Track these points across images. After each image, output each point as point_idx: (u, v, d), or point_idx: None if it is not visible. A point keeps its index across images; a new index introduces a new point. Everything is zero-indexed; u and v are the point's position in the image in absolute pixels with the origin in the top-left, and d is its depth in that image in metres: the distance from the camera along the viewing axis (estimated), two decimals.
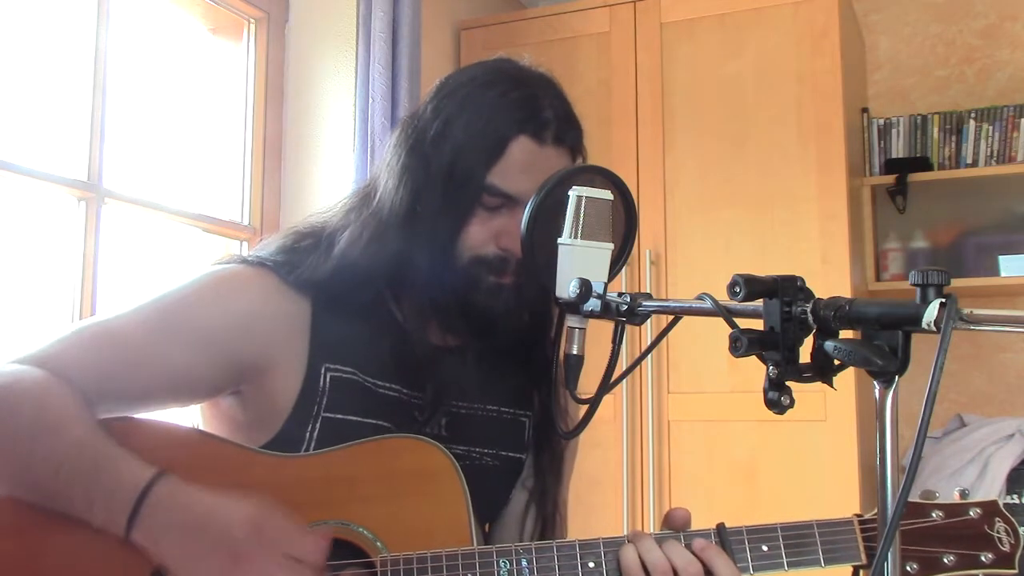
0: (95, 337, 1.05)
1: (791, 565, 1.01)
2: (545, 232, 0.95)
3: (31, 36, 2.03)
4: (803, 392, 0.72)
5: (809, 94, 2.61)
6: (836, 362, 0.73)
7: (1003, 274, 2.82)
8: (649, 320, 0.90)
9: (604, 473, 2.66)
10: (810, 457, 2.49)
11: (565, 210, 0.94)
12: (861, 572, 1.02)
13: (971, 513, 1.02)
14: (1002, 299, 3.01)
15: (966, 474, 2.71)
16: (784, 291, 0.75)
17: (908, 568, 0.99)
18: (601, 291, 0.91)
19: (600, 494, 2.65)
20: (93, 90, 2.11)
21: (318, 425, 1.08)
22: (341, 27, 2.62)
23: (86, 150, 2.09)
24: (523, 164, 1.08)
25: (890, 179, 2.99)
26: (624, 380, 1.16)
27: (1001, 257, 2.83)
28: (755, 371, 0.75)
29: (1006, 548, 1.00)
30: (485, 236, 1.09)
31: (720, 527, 1.02)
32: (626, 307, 0.89)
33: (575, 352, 0.94)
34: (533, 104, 1.10)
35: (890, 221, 3.01)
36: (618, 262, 0.98)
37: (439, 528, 1.04)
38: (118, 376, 1.04)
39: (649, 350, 0.98)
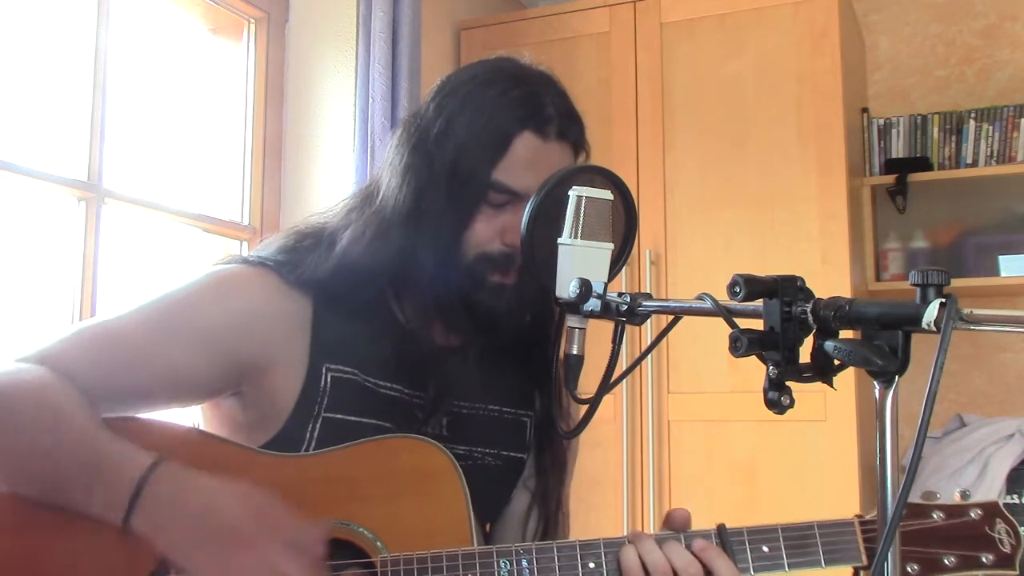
0: (95, 337, 1.05)
1: (792, 566, 1.01)
2: (545, 232, 0.95)
3: (31, 36, 2.03)
4: (803, 392, 0.72)
5: (809, 94, 2.61)
6: (836, 362, 0.73)
7: (1003, 274, 2.82)
8: (649, 320, 0.90)
9: (604, 473, 2.66)
10: (810, 457, 2.49)
11: (565, 210, 0.94)
12: (862, 573, 1.02)
13: (972, 514, 1.02)
14: (1002, 299, 3.01)
15: (966, 474, 2.71)
16: (784, 291, 0.75)
17: (909, 569, 0.99)
18: (601, 291, 0.91)
19: (600, 494, 2.65)
20: (93, 90, 2.11)
21: (318, 425, 1.08)
22: (341, 27, 2.62)
23: (86, 150, 2.09)
24: (527, 160, 1.08)
25: (890, 179, 2.99)
26: (624, 380, 1.16)
27: (1001, 257, 2.83)
28: (755, 371, 0.75)
29: (1007, 549, 1.00)
30: (490, 233, 1.09)
31: (721, 528, 1.02)
32: (626, 307, 0.89)
33: (575, 352, 0.94)
34: (535, 100, 1.10)
35: (890, 221, 3.01)
36: (618, 262, 0.98)
37: (439, 528, 1.04)
38: (118, 376, 1.04)
39: (649, 350, 0.98)
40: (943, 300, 0.67)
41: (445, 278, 1.09)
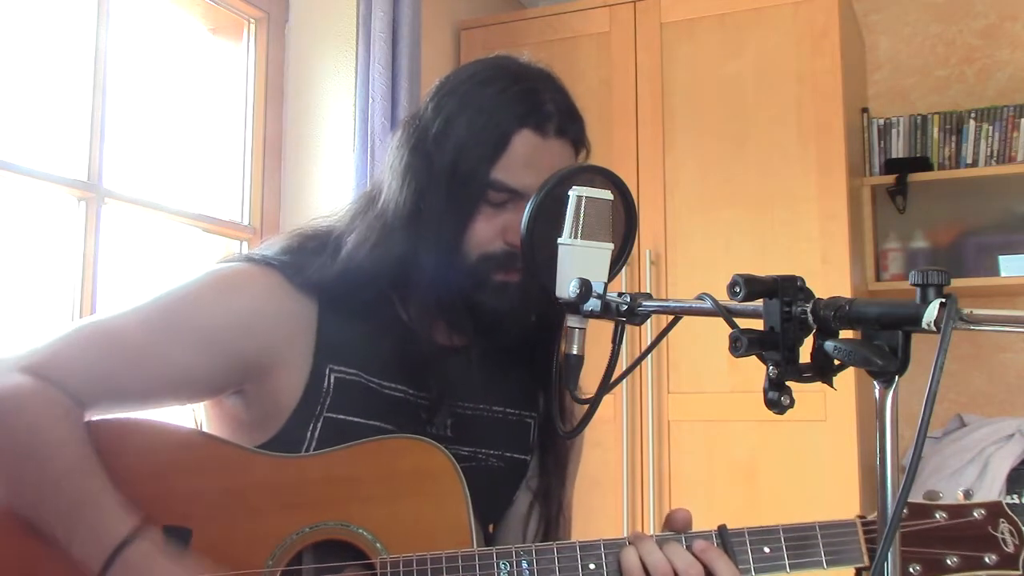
0: (94, 336, 1.05)
1: (793, 567, 1.00)
2: (545, 232, 0.94)
3: (31, 36, 2.03)
4: (803, 392, 0.72)
5: (809, 94, 2.61)
6: (836, 362, 0.73)
7: (1003, 274, 2.82)
8: (649, 320, 0.90)
9: (604, 473, 2.66)
10: (810, 457, 2.49)
11: (565, 210, 0.94)
12: (863, 574, 1.02)
13: (975, 514, 1.01)
14: (1002, 299, 3.01)
15: (966, 474, 2.71)
16: (784, 291, 0.75)
17: (911, 570, 0.99)
18: (601, 291, 0.91)
19: (600, 494, 2.65)
20: (93, 90, 2.11)
21: (320, 425, 1.07)
22: (341, 27, 2.62)
23: (86, 150, 2.09)
24: (527, 158, 1.08)
25: (890, 179, 2.99)
26: (624, 380, 1.16)
27: (1001, 257, 2.83)
28: (755, 371, 0.75)
29: (1010, 549, 1.00)
30: (491, 232, 1.09)
31: (722, 529, 1.02)
32: (626, 307, 0.89)
33: (575, 352, 0.94)
34: (534, 98, 1.10)
35: (890, 221, 3.01)
36: (618, 262, 0.97)
37: (439, 529, 1.03)
38: (117, 375, 1.03)
39: (649, 350, 0.98)
40: (943, 300, 0.67)
41: (448, 279, 1.09)
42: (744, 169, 2.66)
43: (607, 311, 0.90)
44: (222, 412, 1.13)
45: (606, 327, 0.94)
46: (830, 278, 2.50)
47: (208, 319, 1.07)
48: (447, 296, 1.10)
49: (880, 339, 0.70)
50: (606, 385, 0.93)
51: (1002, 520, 1.01)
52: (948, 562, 0.99)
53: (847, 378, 1.98)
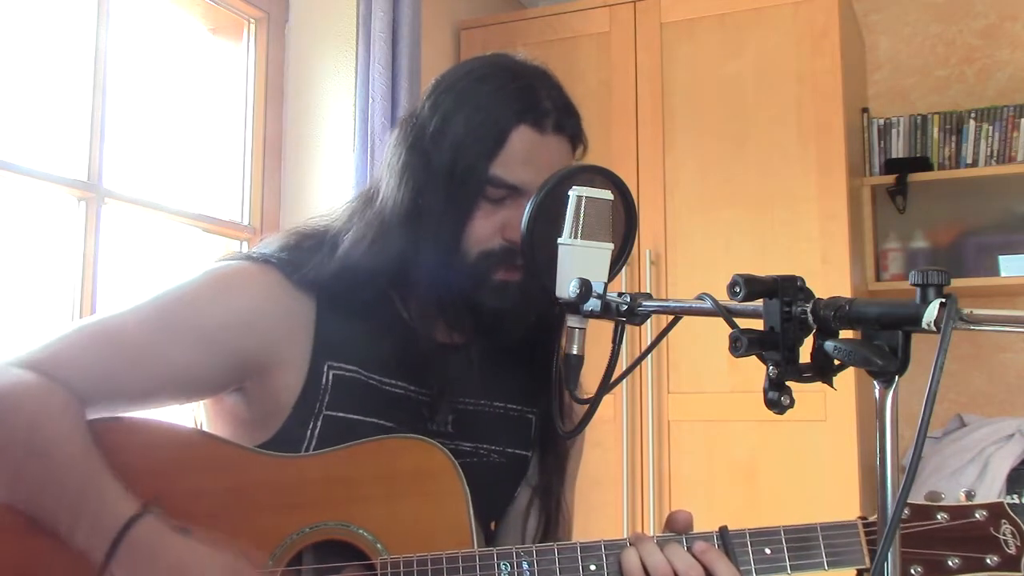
0: (95, 335, 1.05)
1: (794, 568, 1.00)
2: (545, 232, 0.94)
3: (31, 36, 2.03)
4: (803, 392, 0.72)
5: (809, 94, 2.61)
6: (836, 362, 0.73)
7: (1003, 274, 2.82)
8: (649, 320, 0.90)
9: (604, 473, 2.66)
10: (810, 457, 2.49)
11: (565, 210, 0.94)
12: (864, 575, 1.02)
13: (977, 515, 1.01)
14: (1002, 299, 3.01)
15: (966, 474, 2.71)
16: (784, 291, 0.75)
17: (912, 571, 0.98)
18: (601, 291, 0.91)
19: (600, 494, 2.65)
20: (93, 90, 2.11)
21: (319, 423, 1.07)
22: (341, 27, 2.62)
23: (86, 150, 2.09)
24: (525, 154, 1.08)
25: (890, 179, 2.98)
26: (624, 380, 1.16)
27: (1001, 257, 2.83)
28: (755, 371, 0.75)
29: (1012, 551, 0.99)
30: (490, 229, 1.09)
31: (723, 530, 1.02)
32: (626, 307, 0.89)
33: (575, 352, 0.94)
34: (531, 94, 1.10)
35: (890, 221, 3.01)
36: (618, 262, 0.97)
37: (439, 529, 1.03)
38: (118, 375, 1.03)
39: (649, 350, 0.98)
40: (943, 300, 0.67)
41: (448, 277, 1.09)
42: (744, 169, 2.66)
43: (607, 311, 0.90)
44: (223, 410, 1.13)
45: (606, 327, 0.93)
46: (830, 278, 2.50)
47: (207, 318, 1.07)
48: (447, 296, 1.10)
49: (880, 339, 0.70)
50: (606, 385, 0.93)
51: (1004, 521, 1.01)
52: (949, 563, 0.99)
53: (847, 378, 1.98)
